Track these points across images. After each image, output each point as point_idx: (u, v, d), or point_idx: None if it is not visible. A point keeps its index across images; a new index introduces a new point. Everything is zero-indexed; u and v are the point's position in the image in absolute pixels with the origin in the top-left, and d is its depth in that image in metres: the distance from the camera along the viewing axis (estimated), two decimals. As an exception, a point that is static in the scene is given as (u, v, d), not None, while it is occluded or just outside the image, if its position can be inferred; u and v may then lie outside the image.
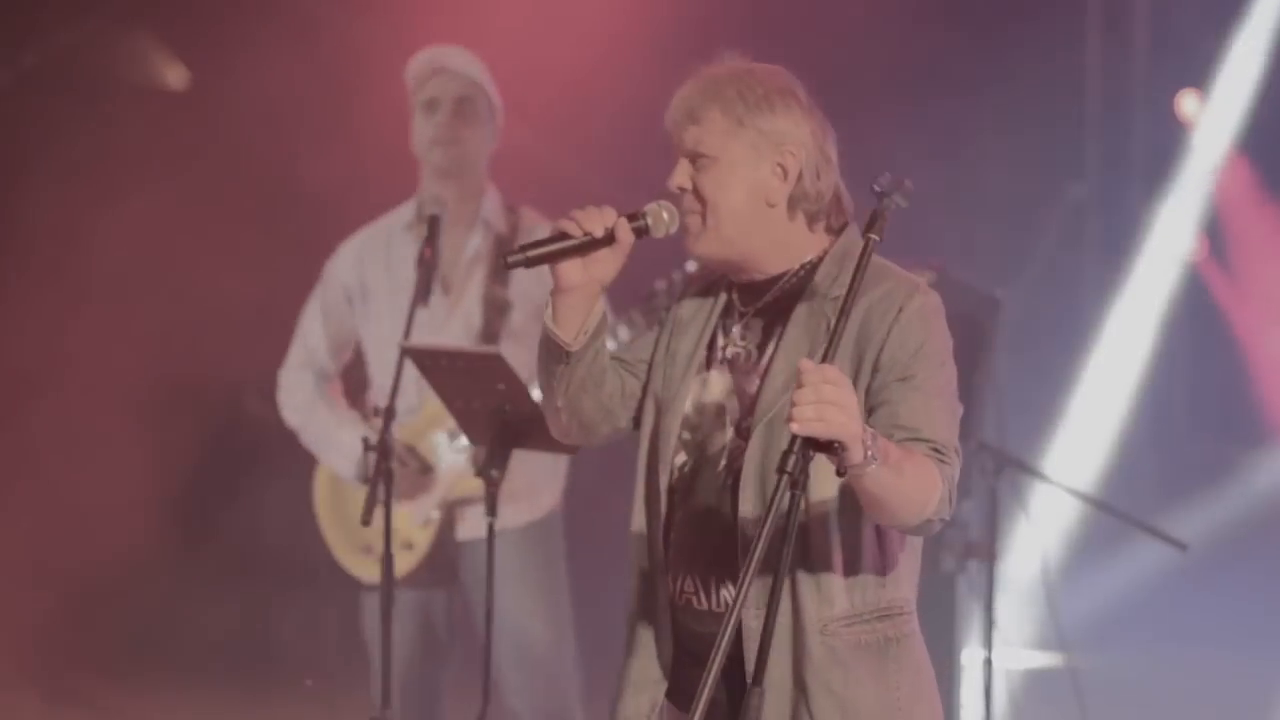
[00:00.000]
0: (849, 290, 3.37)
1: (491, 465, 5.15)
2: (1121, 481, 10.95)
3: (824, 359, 3.31)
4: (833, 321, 3.54)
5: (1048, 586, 7.36)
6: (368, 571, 5.87)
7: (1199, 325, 11.46)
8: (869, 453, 3.29)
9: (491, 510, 5.16)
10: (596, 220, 3.64)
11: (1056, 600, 7.34)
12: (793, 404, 3.23)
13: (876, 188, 3.42)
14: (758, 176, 3.64)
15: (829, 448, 3.25)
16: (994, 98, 9.92)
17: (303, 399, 6.03)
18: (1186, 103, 11.13)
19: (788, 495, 3.22)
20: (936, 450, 3.48)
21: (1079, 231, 11.62)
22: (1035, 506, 8.08)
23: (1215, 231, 11.31)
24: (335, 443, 5.94)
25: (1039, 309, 10.62)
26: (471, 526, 5.85)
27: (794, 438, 3.23)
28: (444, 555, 5.93)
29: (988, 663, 6.64)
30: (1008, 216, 10.33)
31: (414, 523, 5.89)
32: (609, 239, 3.64)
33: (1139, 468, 11.50)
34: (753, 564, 3.22)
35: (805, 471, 3.22)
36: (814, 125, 3.66)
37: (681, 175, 3.67)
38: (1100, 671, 7.56)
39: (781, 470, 3.22)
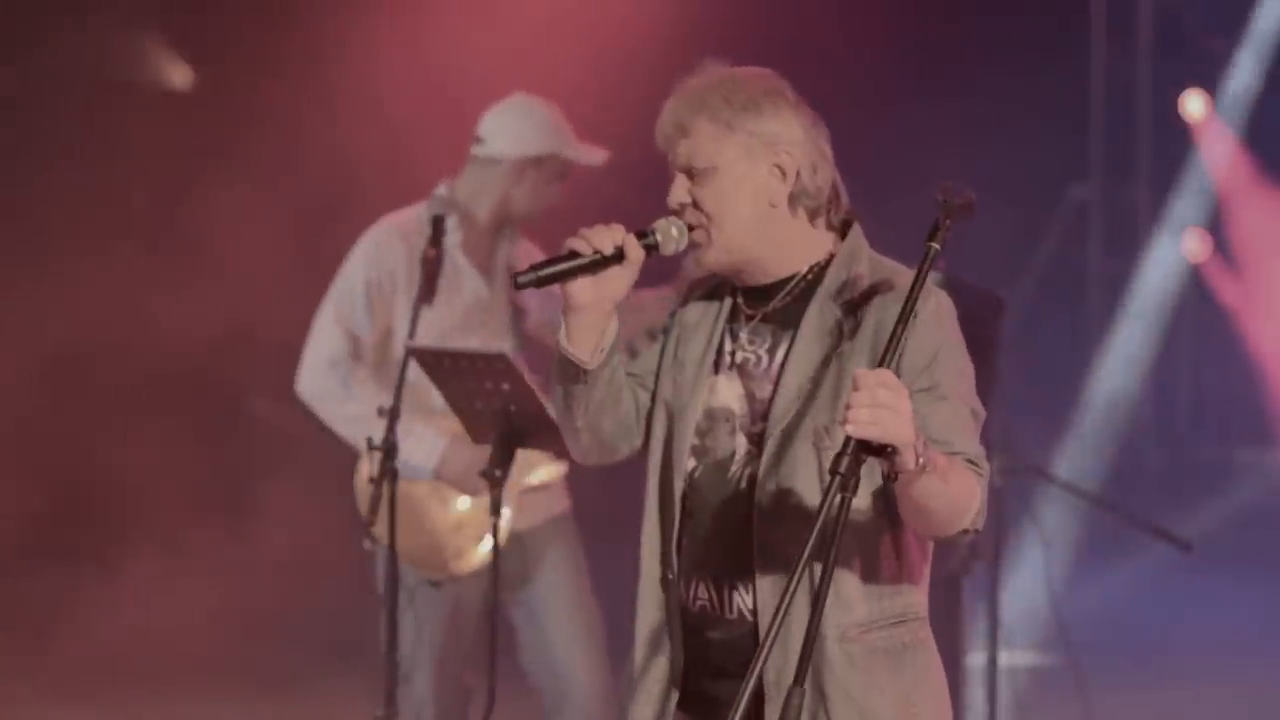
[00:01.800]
0: (909, 297, 3.34)
1: (495, 465, 5.14)
2: (1126, 482, 10.96)
3: (882, 364, 3.29)
4: (846, 325, 3.54)
5: (1052, 587, 7.35)
6: (450, 566, 5.78)
7: (1203, 325, 11.47)
8: (920, 460, 3.28)
9: (495, 510, 5.15)
10: (606, 238, 3.60)
11: (1061, 601, 7.33)
12: (847, 406, 3.21)
13: (939, 197, 3.38)
14: (756, 180, 3.61)
15: (881, 452, 3.24)
16: (998, 98, 9.92)
17: (343, 391, 5.82)
18: (1191, 103, 11.13)
19: (838, 497, 3.19)
20: (971, 462, 3.48)
21: (1083, 231, 11.63)
22: (1040, 507, 8.08)
23: (1219, 232, 11.32)
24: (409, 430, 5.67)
25: (1043, 309, 10.63)
26: (528, 517, 5.81)
27: (847, 439, 3.21)
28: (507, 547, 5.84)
29: (992, 663, 6.63)
30: (1012, 217, 10.32)
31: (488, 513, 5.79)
32: (619, 257, 3.60)
33: (1143, 468, 11.51)
34: (800, 568, 3.20)
35: (857, 474, 3.20)
36: (805, 122, 3.63)
37: (680, 191, 3.64)
38: (1104, 672, 7.55)
39: (834, 472, 3.20)
